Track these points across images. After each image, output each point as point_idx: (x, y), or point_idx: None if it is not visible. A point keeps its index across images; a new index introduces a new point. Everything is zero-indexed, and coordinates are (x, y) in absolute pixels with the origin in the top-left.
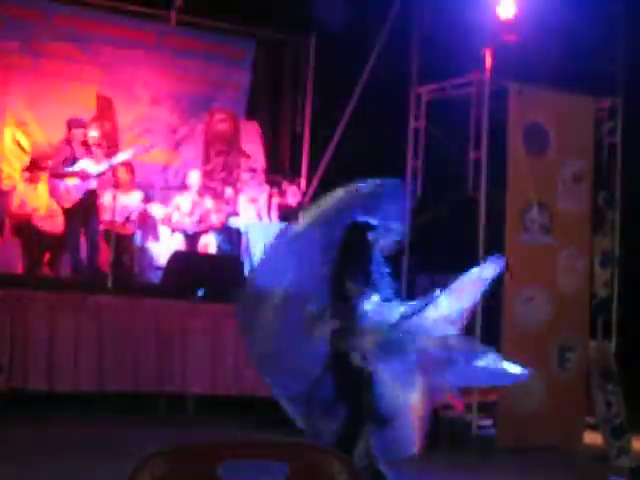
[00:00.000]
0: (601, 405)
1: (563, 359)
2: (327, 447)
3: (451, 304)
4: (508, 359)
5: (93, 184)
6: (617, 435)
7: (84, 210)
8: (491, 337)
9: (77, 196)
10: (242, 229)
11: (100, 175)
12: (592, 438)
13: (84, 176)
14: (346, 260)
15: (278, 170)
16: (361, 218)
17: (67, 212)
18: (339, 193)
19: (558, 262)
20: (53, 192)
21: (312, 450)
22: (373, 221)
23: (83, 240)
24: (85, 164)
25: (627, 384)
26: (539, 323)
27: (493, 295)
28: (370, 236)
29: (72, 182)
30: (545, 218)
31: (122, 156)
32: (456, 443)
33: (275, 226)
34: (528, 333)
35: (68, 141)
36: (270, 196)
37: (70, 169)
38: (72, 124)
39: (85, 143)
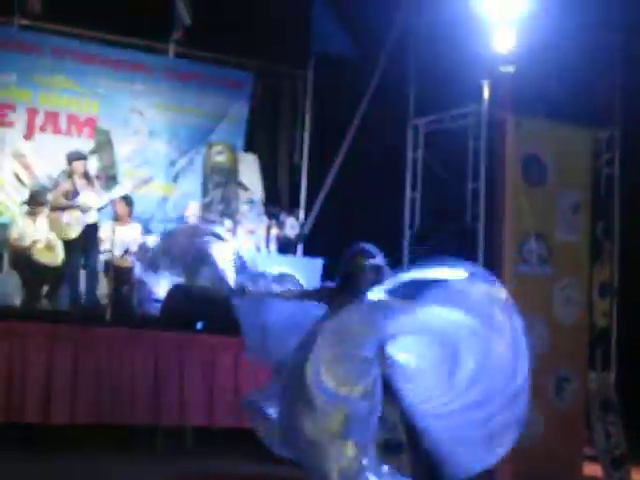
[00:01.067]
0: (601, 436)
1: (560, 390)
2: None
3: None
4: None
5: (93, 217)
6: (617, 466)
7: (84, 243)
8: None
9: (78, 229)
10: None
11: (101, 208)
12: (591, 469)
13: (85, 209)
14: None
15: (276, 202)
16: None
17: (67, 245)
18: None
19: (556, 293)
20: (54, 225)
21: None
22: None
23: (82, 273)
24: (86, 197)
25: (627, 415)
26: (537, 354)
27: None
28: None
29: (73, 215)
30: (543, 249)
31: (122, 189)
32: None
33: (273, 257)
34: None
35: (68, 174)
36: (268, 228)
37: (71, 202)
38: (72, 157)
39: (86, 176)
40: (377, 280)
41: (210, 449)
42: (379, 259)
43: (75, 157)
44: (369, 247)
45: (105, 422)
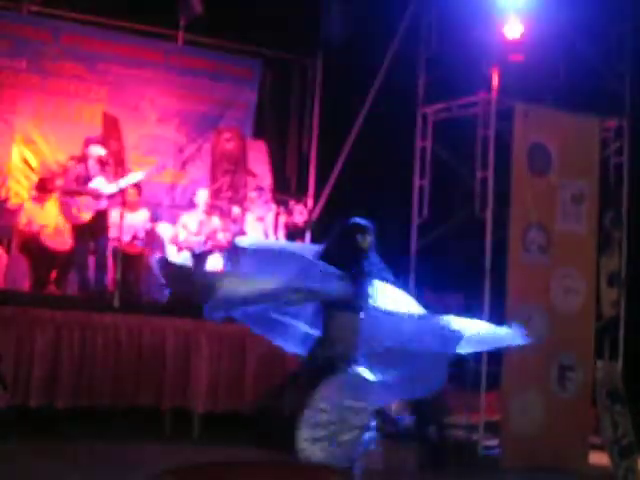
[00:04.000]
0: (608, 425)
1: (563, 379)
2: (346, 471)
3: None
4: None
5: (104, 203)
6: (624, 455)
7: (94, 229)
8: (495, 357)
9: (88, 214)
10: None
11: (112, 195)
12: (598, 458)
13: (97, 195)
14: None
15: (285, 189)
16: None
17: (77, 230)
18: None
19: (556, 282)
20: (64, 210)
21: (331, 473)
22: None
23: (91, 258)
24: (98, 183)
25: (634, 404)
26: (537, 343)
27: (496, 315)
28: (360, 237)
29: (83, 200)
30: (543, 238)
31: (134, 177)
32: (462, 463)
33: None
34: (528, 353)
35: (83, 159)
36: (277, 215)
37: (83, 187)
38: (89, 141)
39: (100, 161)
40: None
41: (215, 434)
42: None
43: (93, 142)
44: (365, 222)
45: (111, 407)
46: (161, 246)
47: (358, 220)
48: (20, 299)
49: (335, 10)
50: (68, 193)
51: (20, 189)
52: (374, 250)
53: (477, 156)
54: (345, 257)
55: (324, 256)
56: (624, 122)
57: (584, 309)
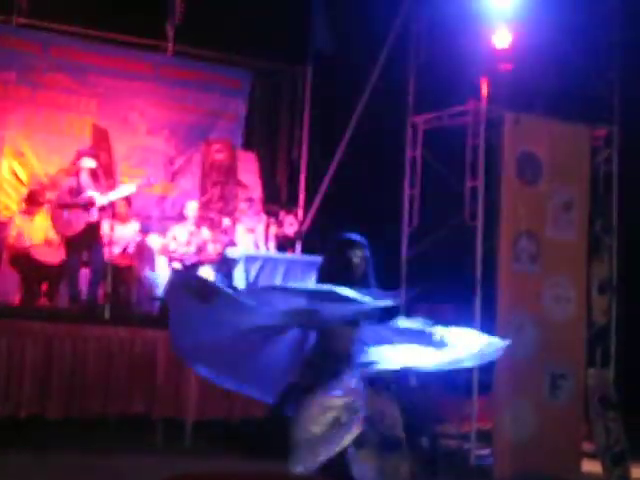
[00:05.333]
0: (600, 433)
1: (555, 387)
2: None
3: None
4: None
5: (95, 215)
6: (617, 463)
7: (86, 241)
8: (487, 366)
9: (79, 227)
10: (239, 259)
11: (104, 207)
12: (591, 466)
13: (89, 207)
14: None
15: (275, 200)
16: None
17: (69, 242)
18: None
19: (547, 290)
20: (56, 222)
21: None
22: (355, 237)
23: (83, 271)
24: (90, 195)
25: (626, 412)
26: (529, 352)
27: (487, 325)
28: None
29: (75, 213)
30: (533, 247)
31: (126, 189)
32: (454, 473)
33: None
34: (519, 362)
35: (75, 171)
36: (267, 226)
37: (75, 200)
38: (83, 153)
39: (93, 173)
40: (366, 271)
41: (208, 444)
42: (366, 250)
43: (86, 154)
44: (357, 237)
45: (102, 417)
46: (151, 258)
47: (349, 235)
48: (10, 312)
49: (324, 20)
50: (60, 205)
51: (10, 202)
52: (370, 265)
53: (467, 165)
54: (336, 273)
55: (319, 274)
56: (614, 130)
57: (575, 317)
